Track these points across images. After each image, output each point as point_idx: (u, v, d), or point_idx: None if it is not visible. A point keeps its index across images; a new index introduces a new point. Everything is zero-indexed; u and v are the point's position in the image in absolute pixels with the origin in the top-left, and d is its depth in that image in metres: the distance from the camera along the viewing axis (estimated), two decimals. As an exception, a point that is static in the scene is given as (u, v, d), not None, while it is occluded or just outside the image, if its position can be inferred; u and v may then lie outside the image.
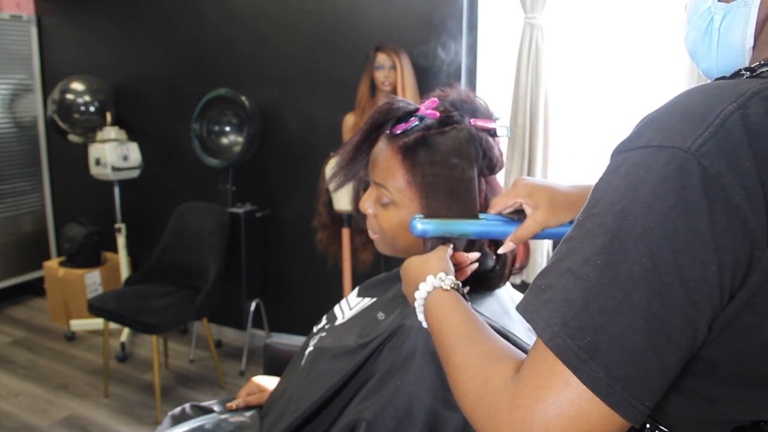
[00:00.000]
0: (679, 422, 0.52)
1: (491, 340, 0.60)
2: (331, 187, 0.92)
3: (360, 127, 0.88)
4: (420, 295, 0.73)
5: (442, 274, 0.73)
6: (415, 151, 0.86)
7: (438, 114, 0.87)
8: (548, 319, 0.46)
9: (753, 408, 0.49)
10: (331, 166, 0.88)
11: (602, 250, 0.45)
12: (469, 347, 0.59)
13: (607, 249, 0.45)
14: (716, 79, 0.53)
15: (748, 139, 0.43)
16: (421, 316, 0.73)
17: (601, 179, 0.49)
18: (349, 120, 2.45)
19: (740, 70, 0.51)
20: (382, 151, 0.89)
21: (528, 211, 0.78)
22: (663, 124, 0.47)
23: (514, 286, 1.06)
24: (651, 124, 0.48)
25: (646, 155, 0.46)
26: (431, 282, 0.72)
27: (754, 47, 0.55)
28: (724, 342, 0.47)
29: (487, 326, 0.64)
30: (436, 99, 0.88)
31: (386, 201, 0.89)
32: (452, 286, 0.72)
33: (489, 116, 0.91)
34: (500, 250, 0.84)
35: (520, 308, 0.50)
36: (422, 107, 0.87)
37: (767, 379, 0.47)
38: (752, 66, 0.51)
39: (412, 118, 0.86)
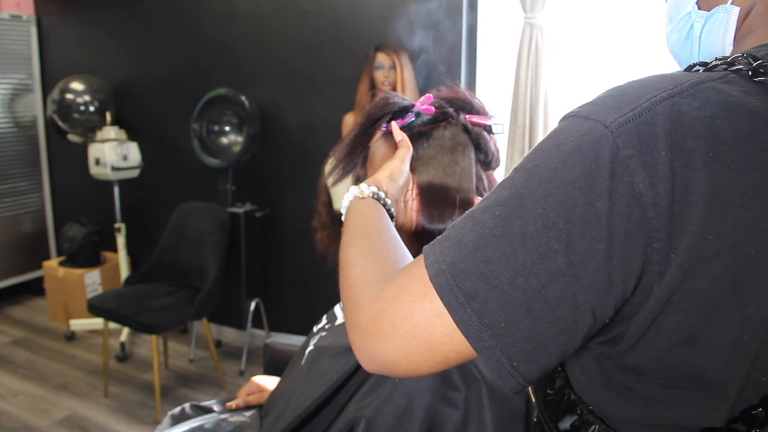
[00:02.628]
0: (622, 424, 0.52)
1: (389, 243, 0.62)
2: (329, 181, 0.92)
3: (358, 122, 0.88)
4: (344, 204, 0.76)
5: (364, 185, 0.75)
6: (412, 148, 0.86)
7: (434, 109, 0.87)
8: (439, 255, 0.47)
9: (694, 409, 0.48)
10: (330, 165, 0.89)
11: (503, 202, 0.46)
12: (364, 242, 0.62)
13: (507, 203, 0.46)
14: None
15: (672, 128, 0.43)
16: (345, 203, 0.76)
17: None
18: (349, 120, 2.45)
19: (695, 64, 0.51)
20: (380, 148, 0.89)
21: None
22: (601, 99, 0.48)
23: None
24: (594, 98, 0.49)
25: (572, 123, 0.47)
26: (353, 192, 0.75)
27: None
28: (649, 345, 0.47)
29: (394, 233, 0.66)
30: (431, 95, 0.89)
31: (385, 199, 0.89)
32: (371, 195, 0.74)
33: (484, 113, 0.91)
34: None
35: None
36: (418, 103, 0.87)
37: (700, 380, 0.47)
38: (708, 61, 0.51)
39: (409, 114, 0.86)
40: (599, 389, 0.53)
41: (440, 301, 0.46)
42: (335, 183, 0.92)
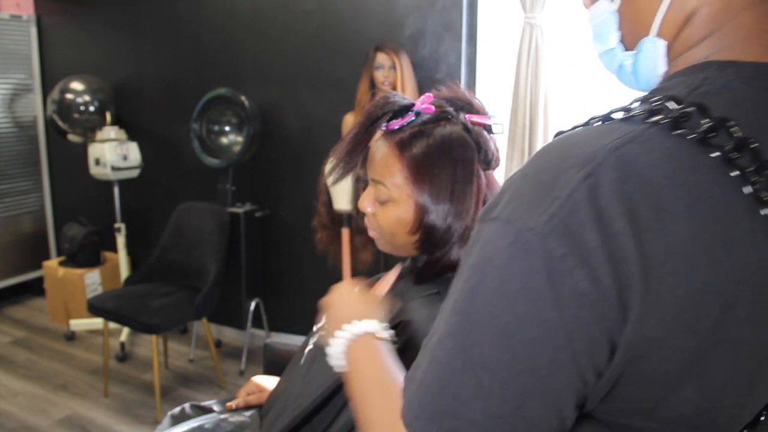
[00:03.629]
0: None
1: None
2: (330, 180, 0.92)
3: (358, 121, 0.89)
4: (352, 330, 0.70)
5: (377, 323, 0.71)
6: (412, 146, 0.86)
7: (434, 109, 0.88)
8: (410, 399, 0.46)
9: None
10: (330, 164, 0.90)
11: (453, 332, 0.44)
12: (384, 399, 0.58)
13: (458, 332, 0.44)
14: (587, 121, 0.50)
15: (596, 213, 0.40)
16: (338, 349, 0.70)
17: (467, 248, 0.48)
18: (349, 120, 2.45)
19: (614, 110, 0.48)
20: (380, 148, 0.89)
21: None
22: (516, 191, 0.45)
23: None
24: (508, 190, 0.46)
25: (495, 230, 0.44)
26: (370, 326, 0.70)
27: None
28: (609, 407, 0.45)
29: (394, 389, 0.63)
30: (431, 95, 0.89)
31: (384, 198, 0.89)
32: (388, 338, 0.70)
33: (484, 113, 0.92)
34: None
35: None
36: (418, 102, 0.88)
37: (675, 420, 0.45)
38: (628, 105, 0.48)
39: (409, 114, 0.86)
40: None
41: None
42: (335, 182, 0.92)
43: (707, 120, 0.42)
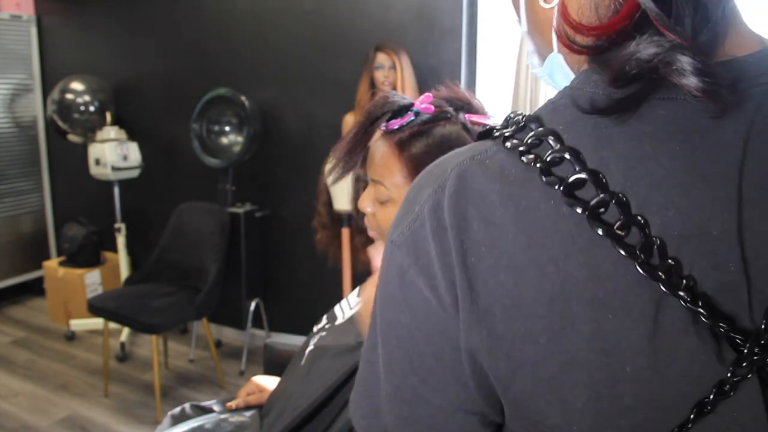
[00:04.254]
0: None
1: None
2: (329, 180, 0.92)
3: (357, 121, 0.89)
4: None
5: None
6: (412, 146, 0.86)
7: (433, 108, 0.88)
8: (355, 400, 0.50)
9: None
10: (330, 164, 0.91)
11: (368, 332, 0.49)
12: None
13: (370, 332, 0.49)
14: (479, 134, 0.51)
15: (435, 226, 0.42)
16: None
17: None
18: (349, 120, 2.45)
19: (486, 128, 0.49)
20: (379, 148, 0.89)
21: None
22: (399, 209, 0.48)
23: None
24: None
25: (386, 242, 0.48)
26: None
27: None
28: (513, 418, 0.46)
29: None
30: (431, 94, 0.89)
31: (384, 198, 0.89)
32: None
33: (484, 113, 0.92)
34: None
35: None
36: (417, 102, 0.88)
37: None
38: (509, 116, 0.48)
39: (408, 113, 0.86)
40: None
41: None
42: (335, 182, 0.92)
43: (532, 135, 0.42)
